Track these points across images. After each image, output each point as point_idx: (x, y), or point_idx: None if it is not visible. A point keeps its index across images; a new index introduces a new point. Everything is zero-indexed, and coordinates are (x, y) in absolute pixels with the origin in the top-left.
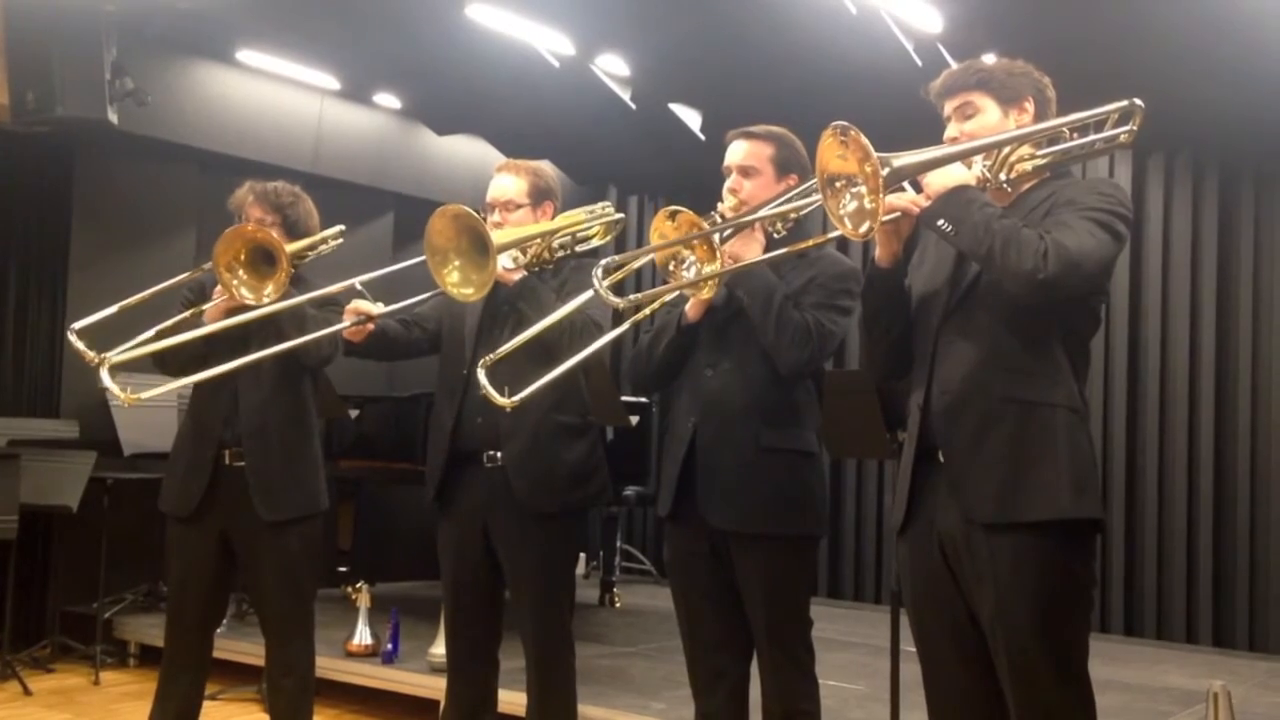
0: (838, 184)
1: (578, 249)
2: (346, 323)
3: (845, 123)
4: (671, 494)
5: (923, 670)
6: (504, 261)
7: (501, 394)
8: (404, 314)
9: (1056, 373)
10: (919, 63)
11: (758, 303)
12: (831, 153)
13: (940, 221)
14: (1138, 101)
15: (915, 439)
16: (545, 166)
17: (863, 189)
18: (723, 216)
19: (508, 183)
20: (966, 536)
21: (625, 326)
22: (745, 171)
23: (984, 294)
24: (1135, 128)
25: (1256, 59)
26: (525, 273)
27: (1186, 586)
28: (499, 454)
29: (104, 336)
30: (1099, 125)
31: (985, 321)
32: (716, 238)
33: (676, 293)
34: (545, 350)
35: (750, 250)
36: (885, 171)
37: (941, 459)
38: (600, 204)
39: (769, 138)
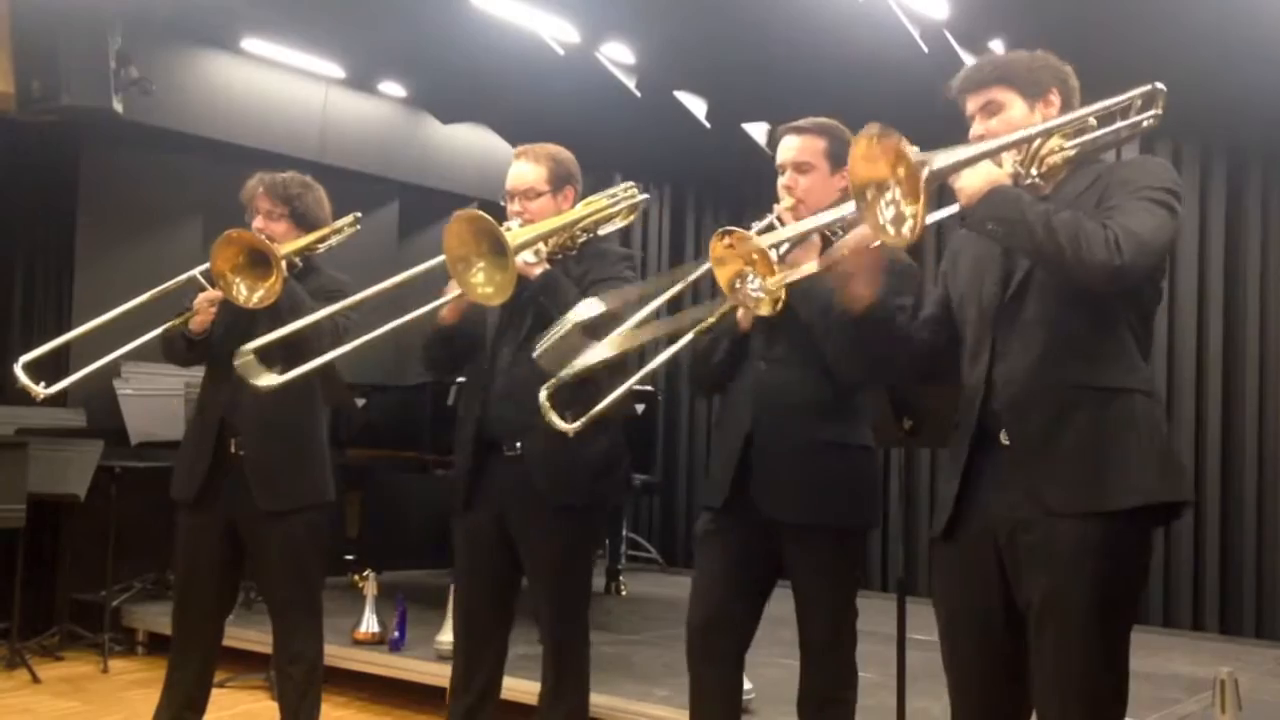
0: (869, 194)
1: (601, 231)
2: (448, 297)
3: (880, 126)
4: (728, 486)
5: (944, 652)
6: (525, 256)
7: (564, 419)
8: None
9: (1125, 355)
10: (925, 49)
11: (816, 317)
12: (863, 161)
13: (988, 224)
14: (1159, 85)
15: (971, 431)
16: (564, 151)
17: (898, 192)
18: (780, 219)
19: (526, 170)
20: (1028, 523)
21: (690, 337)
22: (800, 168)
23: (1042, 284)
24: (1159, 111)
25: (1264, 45)
26: (547, 265)
27: (1193, 574)
28: (519, 444)
29: (109, 336)
30: (1124, 112)
31: (1047, 310)
32: (773, 254)
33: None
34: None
35: (808, 258)
36: (925, 173)
37: (1006, 445)
38: (621, 185)
39: (820, 131)
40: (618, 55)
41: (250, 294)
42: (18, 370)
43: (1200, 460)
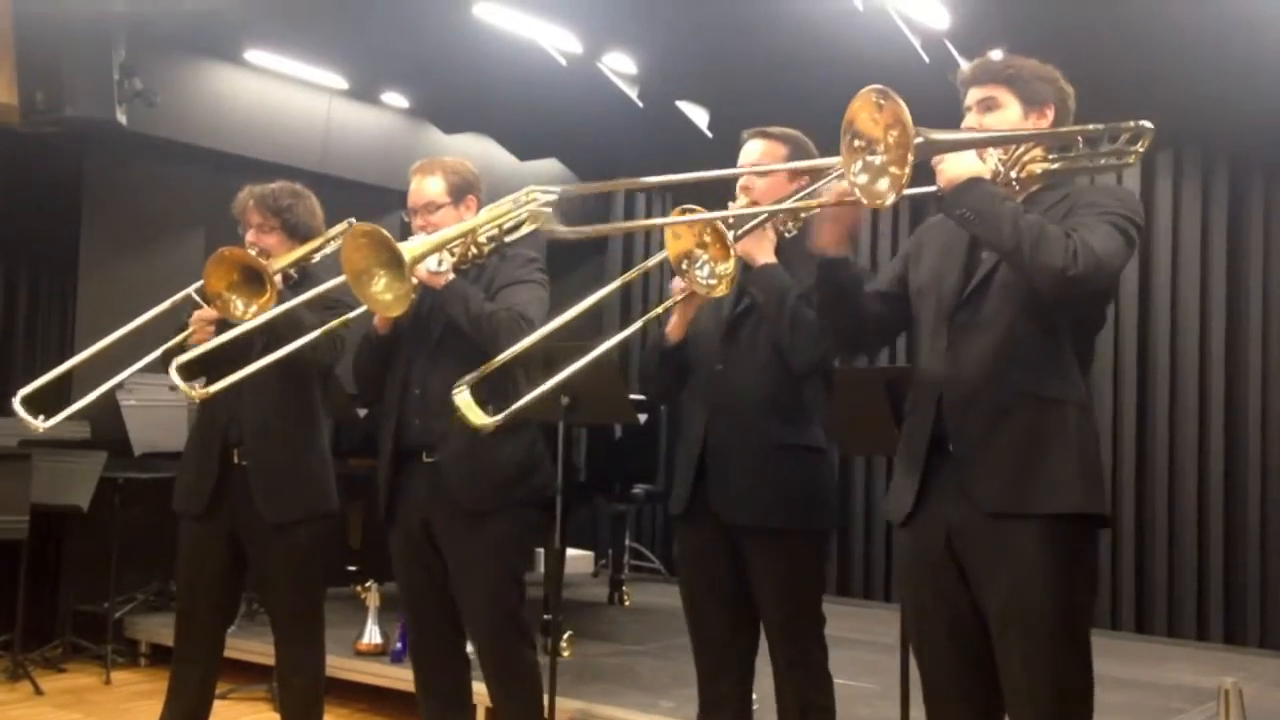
0: (857, 144)
1: (508, 239)
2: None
3: (885, 87)
4: (687, 492)
5: (916, 656)
6: (430, 265)
7: (486, 412)
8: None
9: (1066, 368)
10: (926, 59)
11: (772, 301)
12: (865, 113)
13: (961, 210)
14: (1146, 124)
15: (928, 430)
16: (463, 163)
17: (886, 157)
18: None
19: (424, 184)
20: (978, 527)
21: (638, 325)
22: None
23: (999, 287)
24: (1143, 149)
25: (1266, 53)
26: (453, 274)
27: (1197, 583)
28: (435, 452)
29: (116, 354)
30: (1112, 139)
31: (999, 314)
32: (729, 236)
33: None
34: (477, 351)
35: (763, 249)
36: (919, 140)
37: (951, 450)
38: (526, 189)
39: (783, 139)
40: (620, 65)
41: (246, 309)
42: (16, 405)
43: (1204, 468)
